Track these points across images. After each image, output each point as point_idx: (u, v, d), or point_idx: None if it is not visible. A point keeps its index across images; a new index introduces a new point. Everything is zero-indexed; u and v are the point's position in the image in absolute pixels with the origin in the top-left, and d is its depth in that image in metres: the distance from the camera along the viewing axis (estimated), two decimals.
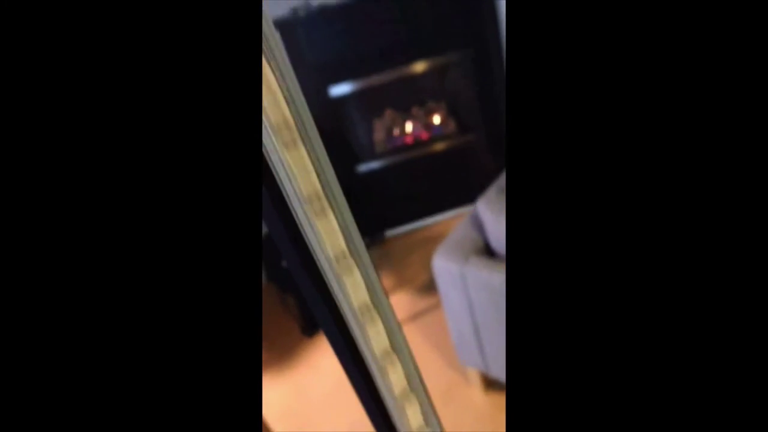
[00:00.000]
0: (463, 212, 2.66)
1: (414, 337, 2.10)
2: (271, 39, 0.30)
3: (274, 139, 0.32)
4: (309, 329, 2.23)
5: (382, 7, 2.15)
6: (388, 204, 2.69)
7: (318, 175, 0.35)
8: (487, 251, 1.44)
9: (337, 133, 2.49)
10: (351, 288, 0.39)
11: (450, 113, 2.59)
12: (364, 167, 2.56)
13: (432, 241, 2.49)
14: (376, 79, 2.30)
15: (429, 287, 2.28)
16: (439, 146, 2.56)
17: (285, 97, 0.32)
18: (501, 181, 1.58)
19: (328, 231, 0.37)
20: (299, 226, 0.36)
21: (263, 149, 0.32)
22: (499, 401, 1.77)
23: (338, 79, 2.29)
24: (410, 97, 2.58)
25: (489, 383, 1.82)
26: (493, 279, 1.34)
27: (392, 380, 0.45)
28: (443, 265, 1.45)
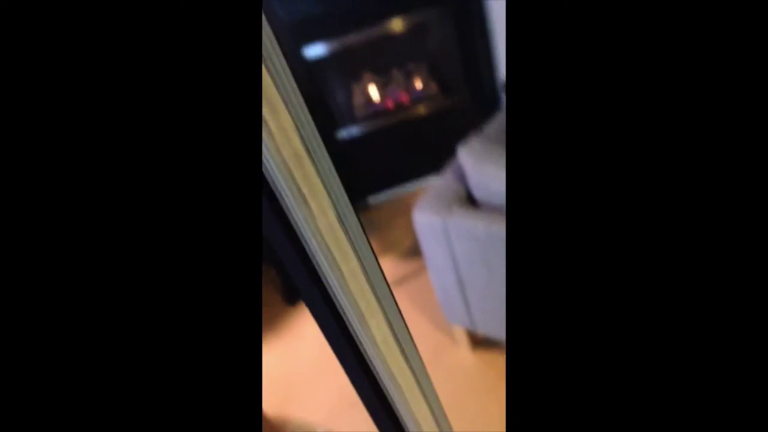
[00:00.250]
0: None
1: (400, 301, 2.05)
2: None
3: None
4: (291, 298, 2.18)
5: None
6: (370, 170, 2.63)
7: (302, 138, 0.32)
8: (470, 201, 1.39)
9: (315, 98, 2.41)
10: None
11: (431, 75, 2.52)
12: (344, 133, 2.49)
13: None
14: (352, 39, 2.22)
15: (414, 252, 2.23)
16: (421, 109, 2.50)
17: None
18: (483, 129, 1.53)
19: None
20: (281, 202, 0.33)
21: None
22: (487, 359, 1.75)
23: (312, 39, 2.20)
24: (389, 60, 2.50)
25: (476, 342, 1.79)
26: (477, 229, 1.30)
27: (376, 337, 0.43)
28: (424, 218, 1.40)
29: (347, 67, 2.46)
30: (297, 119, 0.30)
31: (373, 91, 2.49)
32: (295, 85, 0.30)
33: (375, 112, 2.50)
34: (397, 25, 2.23)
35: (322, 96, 2.45)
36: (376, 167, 2.64)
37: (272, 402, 1.84)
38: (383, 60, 2.49)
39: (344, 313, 0.40)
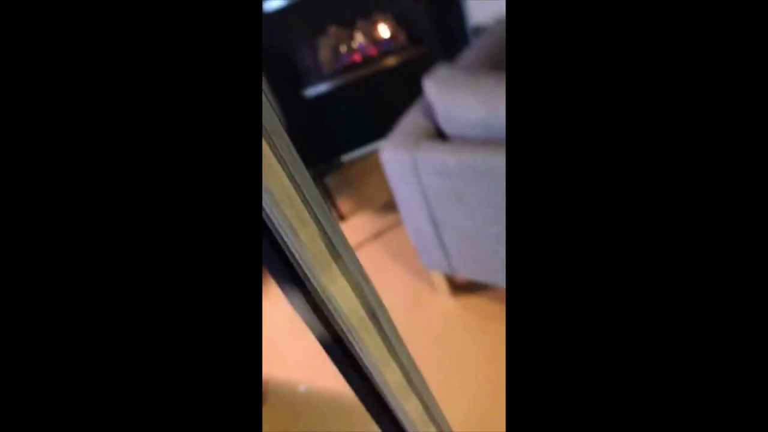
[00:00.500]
0: None
1: (377, 254, 2.02)
2: None
3: None
4: None
5: None
6: (342, 127, 2.56)
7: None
8: (439, 136, 1.34)
9: (279, 55, 2.32)
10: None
11: (399, 25, 2.43)
12: (312, 91, 2.40)
13: None
14: None
15: (390, 206, 2.18)
16: (391, 61, 2.41)
17: None
18: (451, 61, 1.46)
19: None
20: None
21: None
22: (468, 305, 1.71)
23: None
24: (354, 11, 2.41)
25: (456, 288, 1.76)
26: (447, 163, 1.24)
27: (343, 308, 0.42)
28: (392, 156, 1.34)
29: (311, 20, 2.36)
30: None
31: (340, 45, 2.40)
32: None
33: (343, 66, 2.41)
34: None
35: (285, 52, 2.36)
36: (348, 124, 2.56)
37: None
38: (348, 12, 2.39)
39: (305, 276, 0.40)
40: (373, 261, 1.99)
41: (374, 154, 2.56)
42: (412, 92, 2.54)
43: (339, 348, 0.43)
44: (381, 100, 2.53)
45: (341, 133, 2.56)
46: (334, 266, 0.40)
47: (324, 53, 2.41)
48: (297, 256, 0.37)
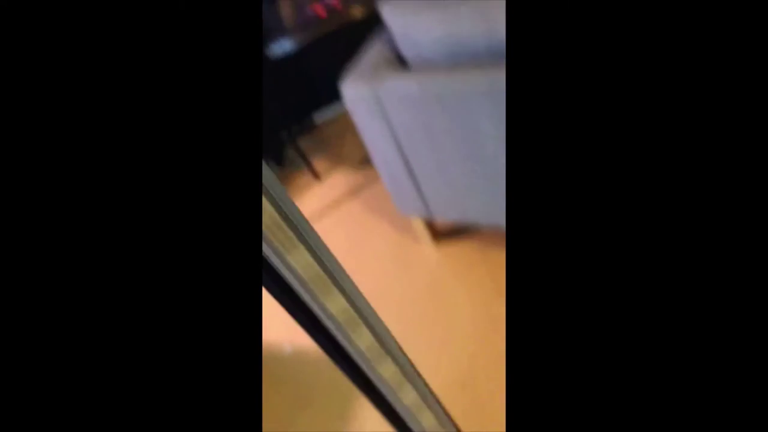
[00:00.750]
0: None
1: (357, 210, 1.94)
2: None
3: None
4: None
5: None
6: (311, 86, 2.46)
7: None
8: (401, 65, 1.25)
9: None
10: None
11: None
12: (277, 49, 2.29)
13: None
14: None
15: (366, 162, 2.10)
16: (356, 12, 2.30)
17: None
18: None
19: None
20: None
21: None
22: (451, 252, 1.65)
23: None
24: None
25: (438, 236, 1.69)
26: (411, 92, 1.16)
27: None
28: (354, 91, 1.26)
29: None
30: None
31: None
32: None
33: (306, 21, 2.30)
34: None
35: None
36: (318, 82, 2.46)
37: None
38: None
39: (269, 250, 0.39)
40: (353, 217, 1.91)
41: (347, 111, 2.46)
42: None
43: (302, 313, 0.43)
44: (350, 54, 2.43)
45: (312, 93, 2.46)
46: (291, 234, 0.40)
47: (285, 9, 2.30)
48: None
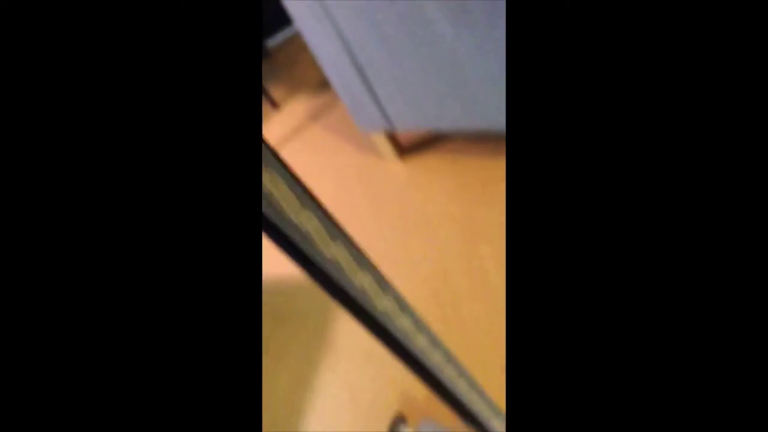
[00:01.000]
0: None
1: (318, 134, 1.90)
2: None
3: None
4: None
5: None
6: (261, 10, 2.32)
7: None
8: None
9: None
10: None
11: None
12: None
13: None
14: None
15: (323, 85, 2.03)
16: None
17: None
18: None
19: None
20: None
21: None
22: (415, 165, 1.64)
23: None
24: None
25: (402, 151, 1.67)
26: None
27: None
28: (299, 6, 1.19)
29: None
30: None
31: None
32: None
33: None
34: None
35: None
36: (267, 5, 2.33)
37: None
38: None
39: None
40: (316, 142, 1.88)
41: (299, 33, 2.36)
42: None
43: (276, 233, 0.41)
44: None
45: (262, 17, 2.33)
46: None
47: None
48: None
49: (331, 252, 0.32)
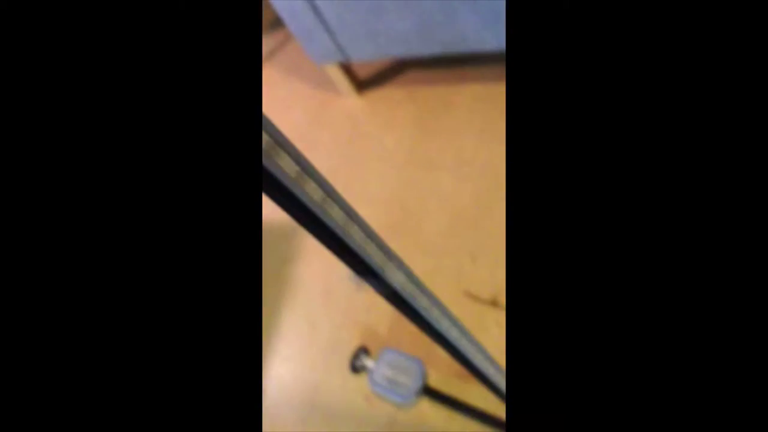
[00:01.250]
0: None
1: (272, 76, 1.82)
2: None
3: None
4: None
5: None
6: None
7: None
8: None
9: None
10: None
11: None
12: None
13: None
14: None
15: (275, 24, 1.93)
16: None
17: None
18: None
19: None
20: None
21: None
22: (374, 98, 1.58)
23: None
24: None
25: (359, 85, 1.60)
26: None
27: None
28: None
29: None
30: None
31: None
32: None
33: None
34: None
35: None
36: None
37: None
38: None
39: None
40: (270, 84, 1.79)
41: None
42: None
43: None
44: None
45: None
46: None
47: None
48: None
49: (280, 163, 0.30)
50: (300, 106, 1.68)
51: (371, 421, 1.03)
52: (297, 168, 0.27)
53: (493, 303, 1.06)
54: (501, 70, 1.44)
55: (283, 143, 0.27)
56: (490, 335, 1.03)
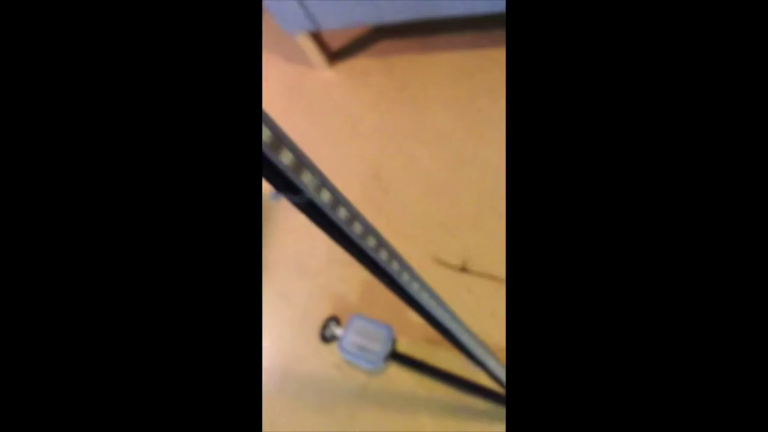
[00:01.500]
0: None
1: None
2: None
3: None
4: None
5: None
6: None
7: None
8: None
9: None
10: None
11: None
12: None
13: None
14: None
15: None
16: None
17: None
18: None
19: None
20: None
21: None
22: (346, 68, 1.56)
23: None
24: None
25: (332, 57, 1.58)
26: None
27: None
28: None
29: None
30: None
31: None
32: None
33: None
34: None
35: None
36: None
37: None
38: None
39: None
40: None
41: None
42: None
43: None
44: None
45: None
46: None
47: None
48: None
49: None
50: (272, 78, 1.65)
51: (343, 389, 1.03)
52: (270, 134, 0.27)
53: (463, 269, 1.05)
54: (471, 38, 1.43)
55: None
56: (461, 300, 1.03)
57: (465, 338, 0.57)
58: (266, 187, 0.30)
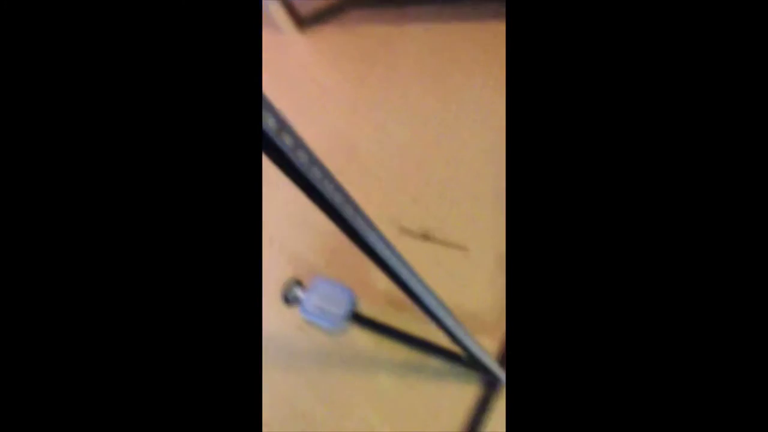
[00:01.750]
0: None
1: None
2: None
3: None
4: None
5: None
6: None
7: None
8: None
9: None
10: None
11: None
12: None
13: None
14: None
15: None
16: None
17: None
18: None
19: None
20: None
21: None
22: (318, 37, 1.55)
23: None
24: None
25: (301, 23, 1.56)
26: None
27: None
28: None
29: None
30: None
31: None
32: None
33: None
34: None
35: None
36: None
37: None
38: None
39: None
40: None
41: None
42: None
43: None
44: None
45: None
46: None
47: None
48: None
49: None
50: None
51: (304, 349, 1.05)
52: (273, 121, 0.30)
53: (425, 236, 1.08)
54: (440, 9, 1.43)
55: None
56: (422, 267, 1.06)
57: (423, 294, 0.60)
58: None
